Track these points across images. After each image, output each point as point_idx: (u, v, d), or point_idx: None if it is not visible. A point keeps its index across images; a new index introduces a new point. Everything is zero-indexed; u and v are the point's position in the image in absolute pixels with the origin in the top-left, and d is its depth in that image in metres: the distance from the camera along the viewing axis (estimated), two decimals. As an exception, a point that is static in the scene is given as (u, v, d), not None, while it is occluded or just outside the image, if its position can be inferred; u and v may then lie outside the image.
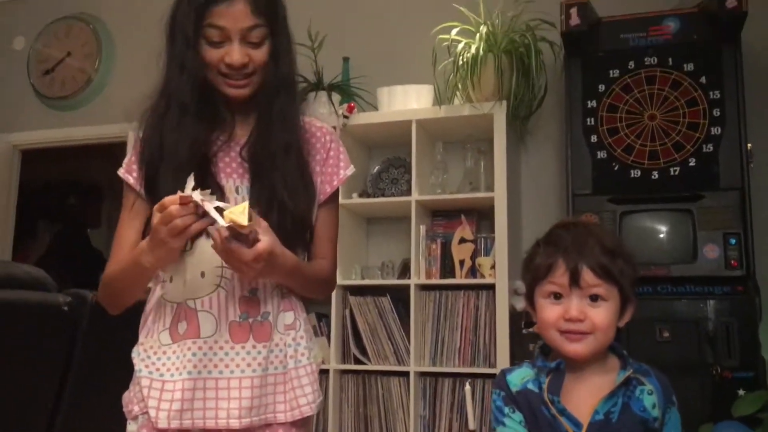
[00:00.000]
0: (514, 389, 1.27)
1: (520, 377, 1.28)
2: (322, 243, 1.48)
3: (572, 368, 1.26)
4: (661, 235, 2.72)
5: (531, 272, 1.28)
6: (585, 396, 1.23)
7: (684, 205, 2.67)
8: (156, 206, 1.23)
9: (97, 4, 4.28)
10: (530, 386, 1.26)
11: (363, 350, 3.11)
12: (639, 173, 2.74)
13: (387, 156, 3.38)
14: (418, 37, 3.35)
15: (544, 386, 1.24)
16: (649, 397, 1.22)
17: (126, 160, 1.47)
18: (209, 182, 1.37)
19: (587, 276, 1.21)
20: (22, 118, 4.32)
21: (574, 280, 1.22)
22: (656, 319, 2.57)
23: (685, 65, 2.77)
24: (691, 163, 2.69)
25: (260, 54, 1.38)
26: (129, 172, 1.44)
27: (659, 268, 2.64)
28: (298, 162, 1.41)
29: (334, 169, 1.50)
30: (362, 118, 3.23)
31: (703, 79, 2.73)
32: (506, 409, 1.26)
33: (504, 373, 1.31)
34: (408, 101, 3.21)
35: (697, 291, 2.59)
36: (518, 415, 1.25)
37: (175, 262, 1.32)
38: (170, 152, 1.35)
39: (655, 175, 2.72)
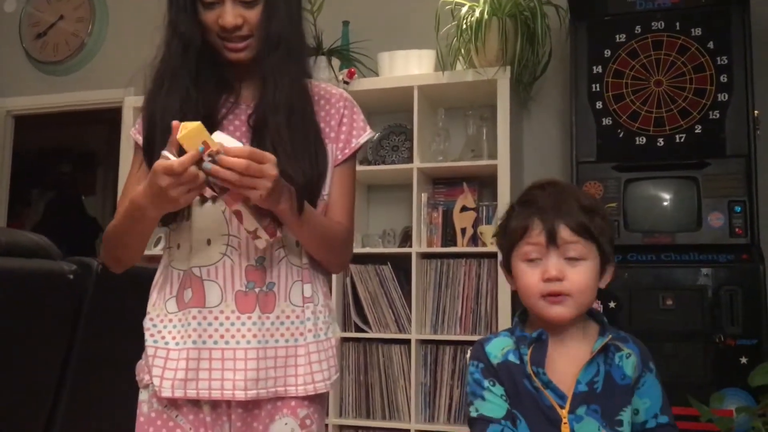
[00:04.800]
0: (494, 361, 1.20)
1: (500, 348, 1.22)
2: (335, 207, 1.43)
3: (552, 336, 1.20)
4: (666, 203, 2.70)
5: (507, 236, 1.23)
6: (566, 365, 1.18)
7: (689, 172, 2.65)
8: (161, 168, 1.14)
9: (89, -34, 4.18)
10: (511, 358, 1.20)
11: (364, 318, 3.10)
12: (644, 140, 2.71)
13: (388, 123, 3.34)
14: (420, 0, 3.29)
15: (527, 358, 1.18)
16: (627, 361, 1.19)
17: (138, 120, 1.43)
18: None
19: (564, 233, 1.16)
20: (15, 83, 4.24)
21: (551, 239, 1.17)
22: (660, 287, 2.56)
23: (692, 30, 2.72)
24: (697, 130, 2.66)
25: (254, 14, 1.31)
26: (140, 132, 1.41)
27: (663, 235, 2.64)
28: (295, 126, 1.34)
29: (347, 136, 1.45)
30: (362, 84, 3.18)
31: (710, 45, 2.69)
32: (486, 382, 1.20)
33: (482, 343, 1.24)
34: (409, 67, 3.16)
35: (701, 259, 2.57)
36: (499, 388, 1.19)
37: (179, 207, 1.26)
38: (161, 117, 1.31)
39: (661, 142, 2.70)
